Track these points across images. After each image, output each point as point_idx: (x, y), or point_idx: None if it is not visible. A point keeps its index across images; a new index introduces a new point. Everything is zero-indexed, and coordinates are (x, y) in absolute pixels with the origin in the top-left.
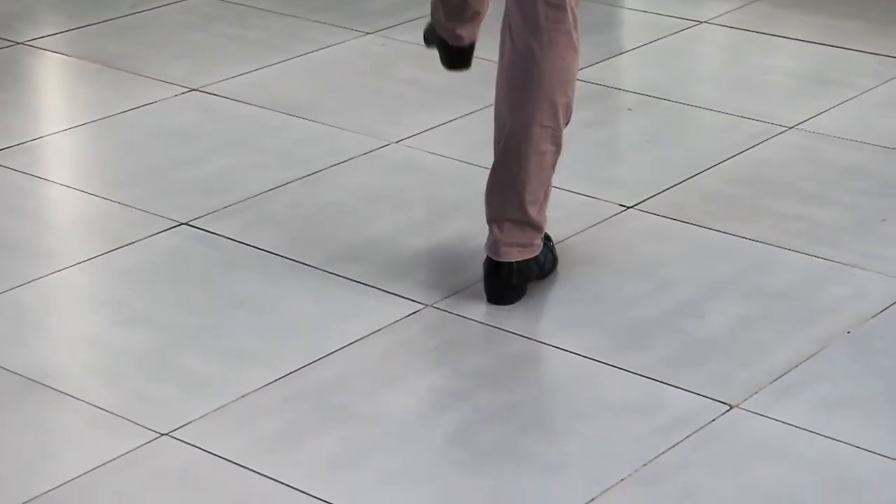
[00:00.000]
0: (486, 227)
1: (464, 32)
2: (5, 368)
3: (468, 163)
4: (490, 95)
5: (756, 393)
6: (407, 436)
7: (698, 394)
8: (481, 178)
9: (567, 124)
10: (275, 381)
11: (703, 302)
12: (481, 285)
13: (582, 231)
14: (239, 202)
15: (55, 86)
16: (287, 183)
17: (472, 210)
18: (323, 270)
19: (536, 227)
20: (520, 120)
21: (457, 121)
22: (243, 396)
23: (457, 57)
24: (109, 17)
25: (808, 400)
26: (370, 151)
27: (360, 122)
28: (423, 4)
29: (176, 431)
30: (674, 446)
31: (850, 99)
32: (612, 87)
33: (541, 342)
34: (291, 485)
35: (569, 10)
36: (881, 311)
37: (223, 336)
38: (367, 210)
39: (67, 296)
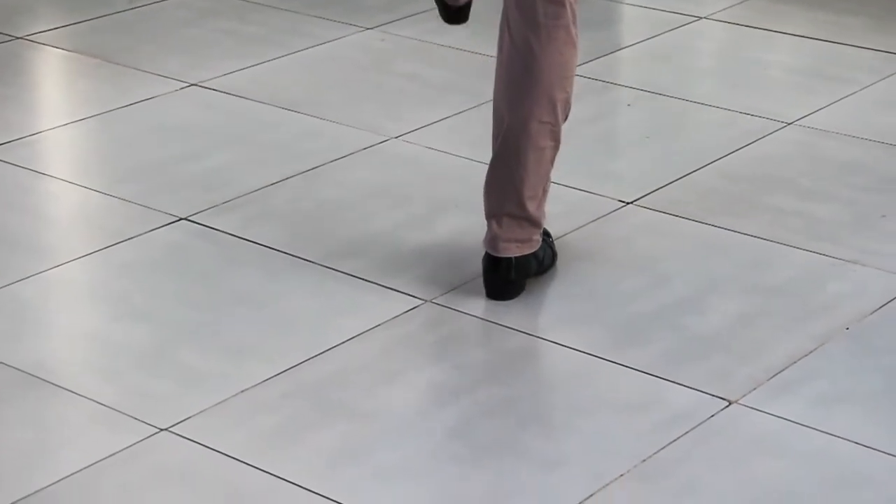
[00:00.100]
0: (485, 222)
1: None
2: (5, 363)
3: (468, 158)
4: (490, 91)
5: (755, 389)
6: (406, 431)
7: (697, 389)
8: (481, 174)
9: (566, 120)
10: (274, 376)
11: (703, 298)
12: (480, 281)
13: (581, 227)
14: (238, 197)
15: (54, 81)
16: (286, 178)
17: (471, 205)
18: (322, 266)
19: (535, 222)
20: (518, 115)
21: (456, 116)
22: (243, 391)
23: (455, 15)
24: (109, 12)
25: (807, 396)
26: (370, 147)
27: (359, 117)
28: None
29: (175, 426)
30: (673, 442)
31: (849, 95)
32: (611, 82)
33: (540, 338)
34: (291, 480)
35: (567, 5)
36: (880, 308)
37: (222, 331)
38: (366, 205)
39: (67, 291)
